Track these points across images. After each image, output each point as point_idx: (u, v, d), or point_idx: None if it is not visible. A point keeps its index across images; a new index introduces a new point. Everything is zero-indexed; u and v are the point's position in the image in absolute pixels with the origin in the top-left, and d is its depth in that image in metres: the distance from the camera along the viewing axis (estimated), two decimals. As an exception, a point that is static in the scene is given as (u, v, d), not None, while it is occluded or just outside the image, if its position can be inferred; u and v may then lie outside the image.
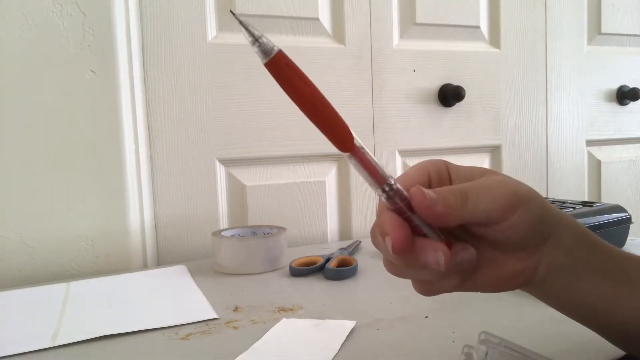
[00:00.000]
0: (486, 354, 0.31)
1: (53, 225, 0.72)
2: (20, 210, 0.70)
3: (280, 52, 0.25)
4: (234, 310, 0.54)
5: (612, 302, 0.32)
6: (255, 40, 0.24)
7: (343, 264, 0.69)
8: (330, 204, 0.92)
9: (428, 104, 0.98)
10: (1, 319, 0.54)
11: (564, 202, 0.74)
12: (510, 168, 1.07)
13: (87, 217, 0.73)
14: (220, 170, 0.85)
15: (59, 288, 0.64)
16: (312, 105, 0.26)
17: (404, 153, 0.97)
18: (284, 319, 0.51)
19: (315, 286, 0.63)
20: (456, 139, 1.01)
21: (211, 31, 0.83)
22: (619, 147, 1.21)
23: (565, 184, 1.13)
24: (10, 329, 0.51)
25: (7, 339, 0.48)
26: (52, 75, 0.71)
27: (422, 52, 0.97)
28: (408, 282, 0.33)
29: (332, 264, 0.67)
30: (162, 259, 0.81)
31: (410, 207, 0.29)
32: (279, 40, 0.86)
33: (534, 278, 0.32)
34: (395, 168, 0.96)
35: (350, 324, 0.48)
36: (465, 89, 0.96)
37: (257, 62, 0.91)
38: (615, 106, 1.18)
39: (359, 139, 0.28)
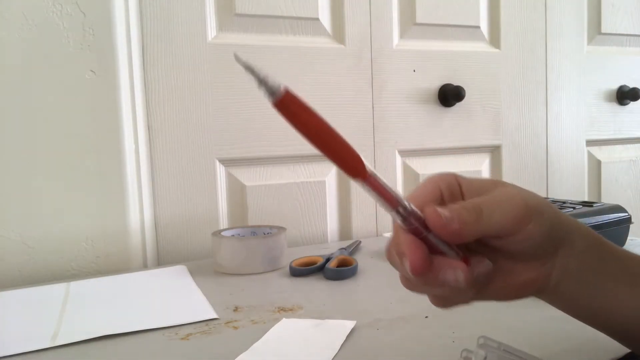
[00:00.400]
0: (485, 358, 0.31)
1: (53, 225, 0.72)
2: (20, 210, 0.70)
3: (287, 92, 0.25)
4: (234, 310, 0.54)
5: (625, 306, 0.32)
6: (261, 81, 0.25)
7: (343, 264, 0.69)
8: (330, 204, 0.92)
9: (428, 104, 0.98)
10: (1, 319, 0.54)
11: (564, 202, 0.74)
12: (510, 168, 1.07)
13: (87, 217, 0.73)
14: (220, 170, 0.85)
15: (59, 288, 0.64)
16: (324, 138, 0.26)
17: (404, 153, 0.97)
18: (284, 319, 0.51)
19: (315, 286, 0.63)
20: (456, 139, 1.01)
21: (211, 31, 0.83)
22: (619, 147, 1.21)
23: (565, 184, 1.13)
24: (10, 329, 0.51)
25: (7, 339, 0.48)
26: (52, 75, 0.71)
27: (422, 52, 0.97)
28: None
29: (332, 264, 0.67)
30: (162, 259, 0.81)
31: (426, 226, 0.29)
32: (279, 40, 0.86)
33: (547, 285, 0.32)
34: (395, 168, 0.96)
35: (350, 324, 0.48)
36: (465, 89, 0.96)
37: (257, 62, 0.90)
38: (615, 106, 1.18)
39: (369, 165, 0.28)
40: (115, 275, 0.69)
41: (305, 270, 0.67)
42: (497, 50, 1.04)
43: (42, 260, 0.72)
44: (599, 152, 1.18)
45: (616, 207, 0.70)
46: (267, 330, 0.48)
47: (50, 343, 0.46)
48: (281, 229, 0.75)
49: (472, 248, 0.32)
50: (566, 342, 0.43)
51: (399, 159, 0.97)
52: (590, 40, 1.15)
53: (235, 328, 0.49)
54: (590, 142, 1.16)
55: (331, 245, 0.85)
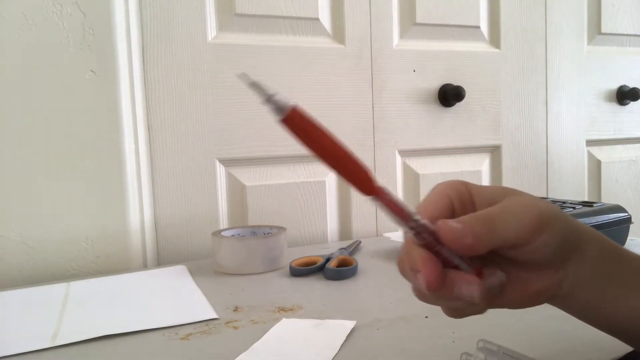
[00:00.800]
0: None
1: (53, 225, 0.72)
2: (20, 211, 0.70)
3: (294, 108, 0.25)
4: (234, 310, 0.54)
5: (638, 312, 0.32)
6: (269, 97, 0.24)
7: (343, 264, 0.69)
8: (330, 204, 0.92)
9: (428, 104, 0.98)
10: (1, 319, 0.54)
11: (564, 202, 0.74)
12: (510, 168, 1.07)
13: (87, 217, 0.74)
14: (220, 170, 0.85)
15: (59, 288, 0.64)
16: (331, 156, 0.26)
17: (404, 153, 0.97)
18: (284, 319, 0.51)
19: (315, 286, 0.63)
20: (456, 139, 1.01)
21: (211, 31, 0.83)
22: (619, 147, 1.21)
23: (565, 184, 1.13)
24: (10, 329, 0.51)
25: (7, 339, 0.48)
26: (52, 75, 0.71)
27: (422, 52, 0.97)
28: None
29: (332, 264, 0.67)
30: (162, 259, 0.81)
31: (439, 240, 0.29)
32: (279, 40, 0.86)
33: (560, 293, 0.32)
34: (395, 168, 0.97)
35: (350, 324, 0.48)
36: (465, 89, 0.96)
37: (257, 62, 0.90)
38: (615, 106, 1.18)
39: (378, 181, 0.28)
40: (115, 275, 0.69)
41: (305, 270, 0.67)
42: (497, 50, 1.04)
43: (42, 260, 0.72)
44: (599, 152, 1.18)
45: (616, 207, 0.70)
46: (267, 330, 0.48)
47: (50, 343, 0.46)
48: (281, 229, 0.75)
49: (485, 257, 0.31)
50: (566, 342, 0.43)
51: (399, 159, 0.97)
52: (590, 40, 1.15)
53: (235, 328, 0.49)
54: (590, 142, 1.16)
55: (331, 245, 0.85)
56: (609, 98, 1.17)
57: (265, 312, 0.54)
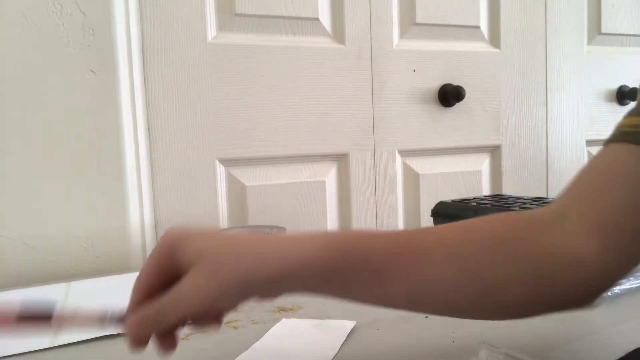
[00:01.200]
0: None
1: (53, 225, 0.72)
2: (20, 210, 0.70)
3: None
4: (234, 310, 0.54)
5: (383, 301, 0.36)
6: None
7: (343, 264, 0.68)
8: (330, 204, 0.92)
9: (428, 104, 0.98)
10: (1, 319, 0.54)
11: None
12: (510, 168, 1.07)
13: (87, 217, 0.73)
14: (220, 170, 0.85)
15: (59, 288, 0.64)
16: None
17: (404, 153, 0.97)
18: (284, 319, 0.51)
19: (315, 286, 0.63)
20: (456, 139, 1.01)
21: (211, 31, 0.83)
22: (619, 147, 1.21)
23: (565, 184, 1.13)
24: (10, 329, 0.51)
25: (7, 339, 0.48)
26: (52, 75, 0.71)
27: (422, 52, 0.97)
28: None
29: (332, 264, 0.67)
30: (162, 259, 0.81)
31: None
32: (279, 40, 0.86)
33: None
34: (395, 168, 0.96)
35: (350, 324, 0.48)
36: (465, 89, 0.96)
37: (257, 62, 0.90)
38: (615, 106, 1.18)
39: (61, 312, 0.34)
40: (115, 275, 0.69)
41: (305, 270, 0.67)
42: (497, 50, 1.04)
43: (42, 260, 0.72)
44: (599, 152, 1.18)
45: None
46: (267, 330, 0.48)
47: (50, 343, 0.46)
48: (281, 229, 0.75)
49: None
50: (566, 343, 0.43)
51: (399, 159, 0.97)
52: (590, 40, 1.15)
53: (235, 328, 0.49)
54: (590, 142, 1.16)
55: (331, 245, 0.85)
56: (609, 98, 1.17)
57: (265, 312, 0.54)
